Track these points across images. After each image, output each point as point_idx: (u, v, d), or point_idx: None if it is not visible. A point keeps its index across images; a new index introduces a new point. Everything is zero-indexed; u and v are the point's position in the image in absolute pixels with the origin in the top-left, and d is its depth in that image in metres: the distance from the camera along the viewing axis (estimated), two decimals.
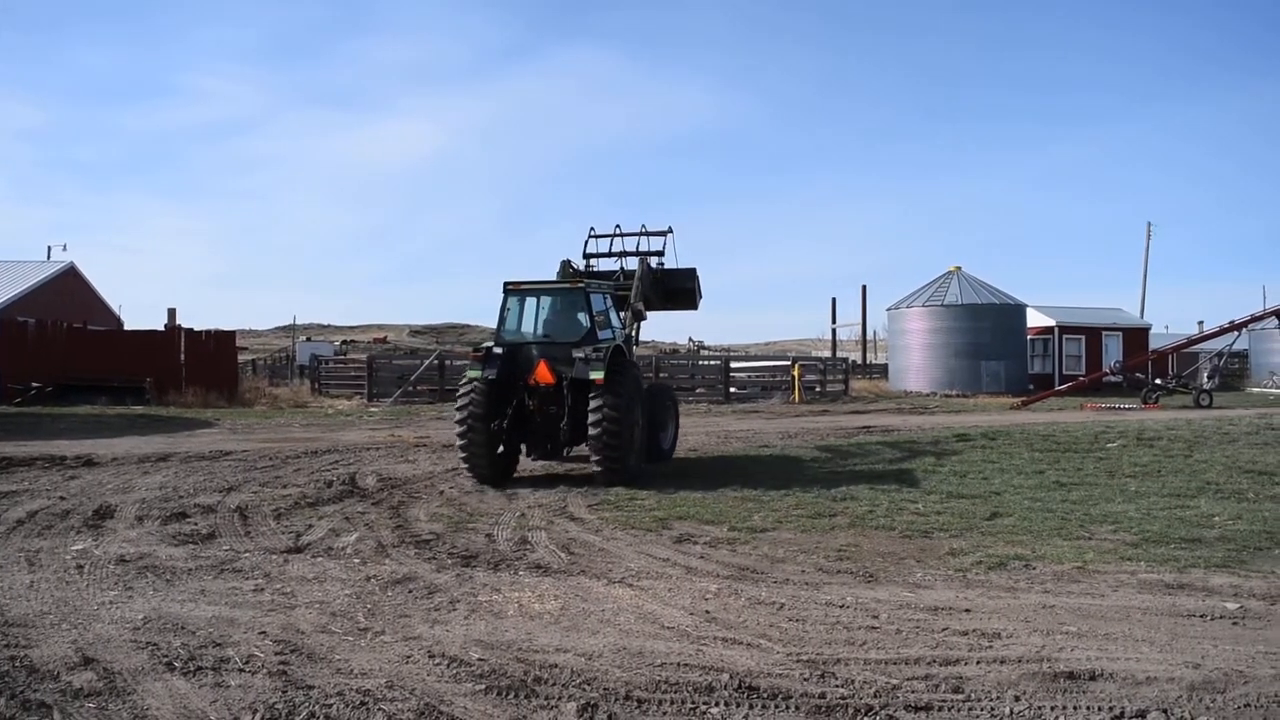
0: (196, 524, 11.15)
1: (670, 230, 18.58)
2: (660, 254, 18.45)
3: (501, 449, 14.78)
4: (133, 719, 5.29)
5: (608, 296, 16.28)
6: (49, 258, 44.24)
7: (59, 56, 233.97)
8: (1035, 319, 46.26)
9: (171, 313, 43.36)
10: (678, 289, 18.65)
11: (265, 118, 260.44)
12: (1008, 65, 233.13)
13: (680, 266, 18.74)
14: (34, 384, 31.44)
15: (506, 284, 15.40)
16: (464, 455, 14.58)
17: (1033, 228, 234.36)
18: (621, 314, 16.92)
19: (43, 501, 12.57)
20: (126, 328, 41.83)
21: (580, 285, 15.47)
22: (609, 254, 18.67)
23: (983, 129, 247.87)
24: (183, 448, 19.02)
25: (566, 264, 18.00)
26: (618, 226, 18.66)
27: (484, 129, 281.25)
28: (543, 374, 14.52)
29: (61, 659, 6.22)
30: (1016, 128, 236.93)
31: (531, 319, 15.65)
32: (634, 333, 17.55)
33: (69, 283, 40.23)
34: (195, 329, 36.31)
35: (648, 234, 18.51)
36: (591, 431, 14.03)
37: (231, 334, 37.65)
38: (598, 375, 13.90)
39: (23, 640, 6.65)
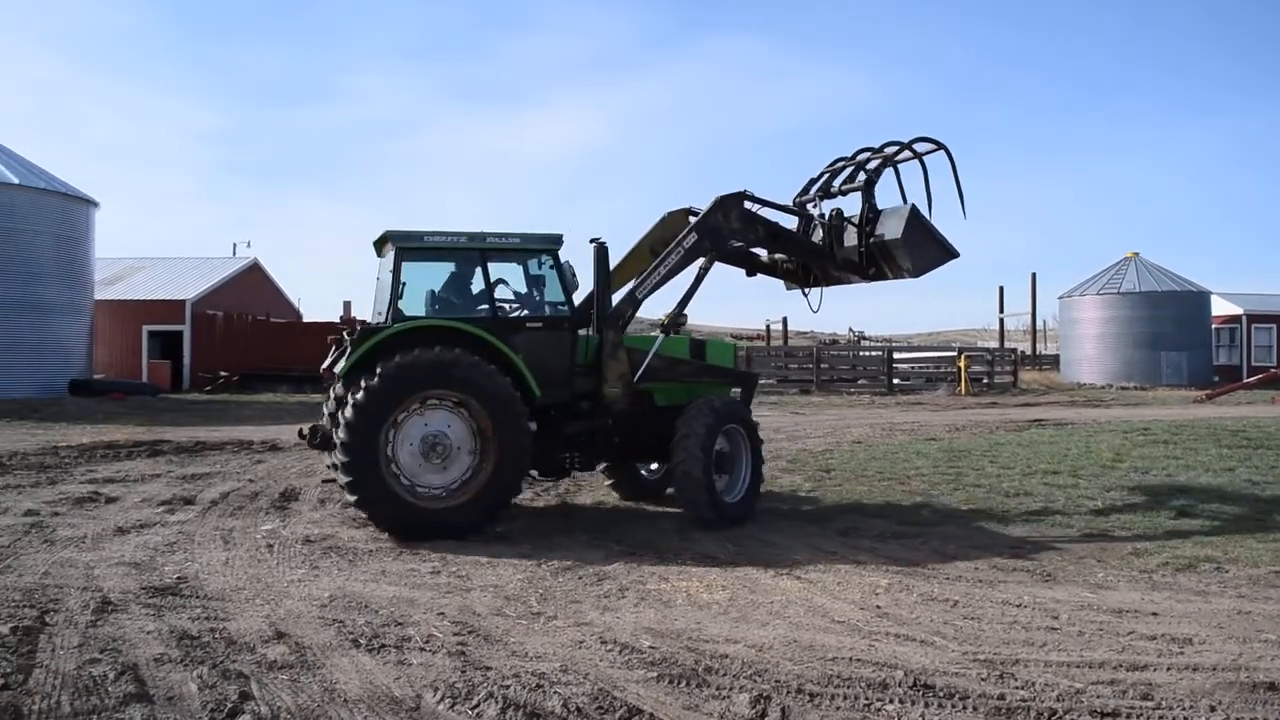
0: None
1: (940, 145, 11.64)
2: (867, 186, 11.76)
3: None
4: (322, 691, 5.54)
5: (545, 257, 10.89)
6: (234, 254, 46.74)
7: (235, 63, 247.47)
8: (1220, 307, 43.87)
9: (347, 305, 45.24)
10: (879, 246, 11.63)
11: (426, 115, 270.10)
12: (1186, 37, 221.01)
13: (890, 207, 11.76)
14: (221, 373, 33.42)
15: (388, 233, 10.86)
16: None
17: (1217, 210, 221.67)
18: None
19: (234, 483, 13.31)
20: (305, 320, 43.83)
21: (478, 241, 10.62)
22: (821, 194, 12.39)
23: (1161, 105, 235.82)
24: None
25: (683, 213, 12.03)
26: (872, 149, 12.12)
27: (640, 120, 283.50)
28: None
29: (256, 632, 6.57)
30: (1198, 102, 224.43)
31: (423, 288, 11.38)
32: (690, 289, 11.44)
33: (252, 277, 42.39)
34: (369, 321, 37.81)
35: (896, 154, 11.77)
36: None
37: None
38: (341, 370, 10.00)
39: (221, 613, 7.05)
